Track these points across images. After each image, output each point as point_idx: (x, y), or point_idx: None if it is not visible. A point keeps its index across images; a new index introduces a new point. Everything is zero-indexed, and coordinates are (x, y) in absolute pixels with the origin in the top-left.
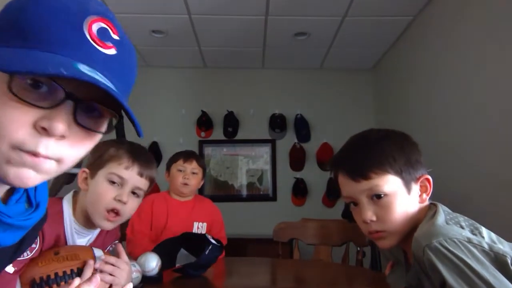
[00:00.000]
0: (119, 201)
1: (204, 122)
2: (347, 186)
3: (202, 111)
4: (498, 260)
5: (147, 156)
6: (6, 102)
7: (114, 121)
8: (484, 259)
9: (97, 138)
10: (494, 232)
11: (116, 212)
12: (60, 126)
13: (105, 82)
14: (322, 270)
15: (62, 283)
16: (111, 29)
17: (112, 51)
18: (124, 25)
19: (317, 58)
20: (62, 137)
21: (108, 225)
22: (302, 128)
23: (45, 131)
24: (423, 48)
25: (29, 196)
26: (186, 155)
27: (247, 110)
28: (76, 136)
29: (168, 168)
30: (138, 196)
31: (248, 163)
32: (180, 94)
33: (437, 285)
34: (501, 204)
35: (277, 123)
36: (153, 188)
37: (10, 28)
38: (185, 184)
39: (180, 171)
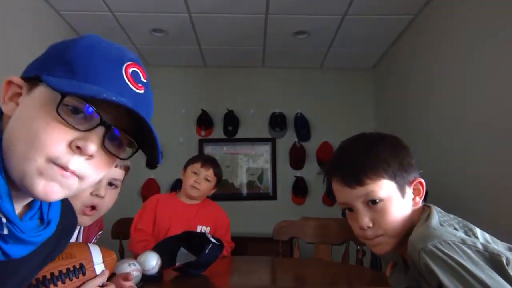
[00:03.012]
0: (97, 195)
1: (204, 121)
2: (342, 193)
3: (202, 109)
4: (493, 260)
5: None
6: (49, 122)
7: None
8: (479, 259)
9: (115, 162)
10: (491, 233)
11: (93, 207)
12: (92, 146)
13: (139, 111)
14: (322, 269)
15: (59, 282)
16: (141, 73)
17: (141, 91)
18: (124, 24)
19: (317, 57)
20: (91, 156)
21: (86, 220)
22: (302, 127)
23: (79, 150)
24: (424, 47)
25: (42, 213)
26: (205, 160)
27: (247, 109)
28: (101, 158)
29: (186, 167)
30: (116, 187)
31: (248, 162)
32: (180, 93)
33: (434, 287)
34: (499, 205)
35: (277, 122)
36: (154, 187)
37: (58, 62)
38: (195, 187)
39: (195, 173)
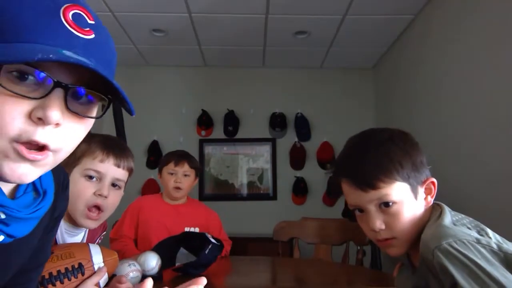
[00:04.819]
0: (100, 195)
1: (204, 121)
2: (354, 195)
3: (202, 110)
4: (507, 260)
5: (122, 146)
6: None
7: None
8: (494, 259)
9: (89, 124)
10: (498, 231)
11: (98, 208)
12: (55, 113)
13: (93, 65)
14: (322, 269)
15: (57, 282)
16: (86, 14)
17: (90, 36)
18: (125, 24)
19: (318, 57)
20: (58, 125)
21: (92, 224)
22: (303, 127)
23: (41, 121)
24: (424, 47)
25: (35, 184)
26: (177, 158)
27: (247, 109)
28: (70, 123)
29: (160, 170)
30: (119, 187)
31: (248, 162)
32: (181, 93)
33: (448, 287)
34: (506, 202)
35: (277, 122)
36: (154, 187)
37: None
38: (177, 188)
39: (172, 174)
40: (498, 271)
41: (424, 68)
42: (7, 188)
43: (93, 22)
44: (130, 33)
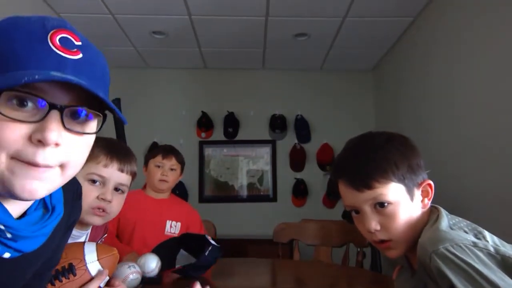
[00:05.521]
0: (103, 200)
1: (204, 123)
2: (349, 195)
3: (202, 112)
4: (504, 263)
5: (126, 150)
6: None
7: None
8: (491, 262)
9: (90, 139)
10: (497, 234)
11: (102, 209)
12: (52, 134)
13: (77, 80)
14: (322, 271)
15: (49, 285)
16: (72, 37)
17: (78, 56)
18: (125, 26)
19: (318, 59)
20: (57, 144)
21: (98, 220)
22: (303, 128)
23: (41, 143)
24: (423, 49)
25: (45, 201)
26: (165, 151)
27: (247, 111)
28: (69, 141)
29: (146, 162)
30: (122, 192)
31: (248, 164)
32: (181, 95)
33: None
34: (497, 207)
35: (277, 123)
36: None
37: None
38: (163, 180)
39: (158, 167)
40: (495, 275)
41: (424, 70)
42: (18, 208)
43: (80, 43)
44: (130, 35)
